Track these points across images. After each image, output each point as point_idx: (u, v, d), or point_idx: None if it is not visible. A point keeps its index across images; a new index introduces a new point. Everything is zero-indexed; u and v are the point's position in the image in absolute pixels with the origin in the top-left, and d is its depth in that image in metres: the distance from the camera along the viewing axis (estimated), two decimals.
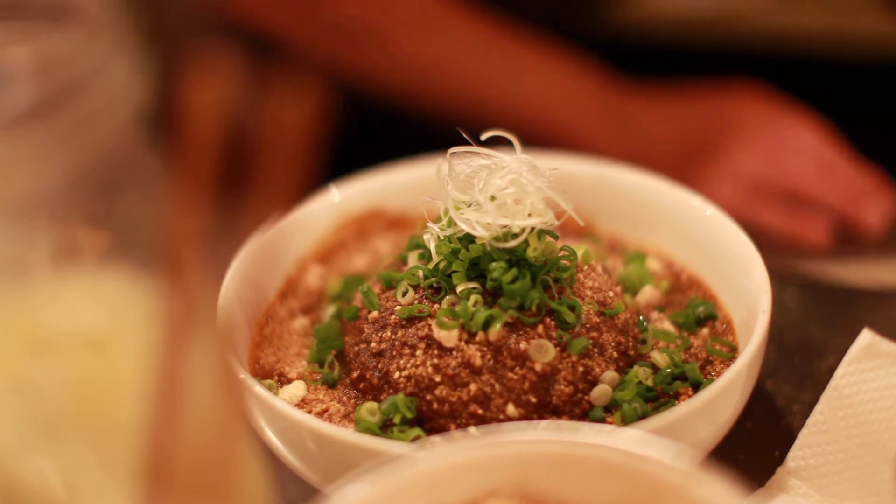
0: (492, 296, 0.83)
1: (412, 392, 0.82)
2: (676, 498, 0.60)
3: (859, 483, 0.84)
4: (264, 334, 0.92)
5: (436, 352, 0.82)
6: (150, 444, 0.54)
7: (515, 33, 1.44)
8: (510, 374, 0.81)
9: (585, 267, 0.88)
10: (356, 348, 0.87)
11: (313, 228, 1.01)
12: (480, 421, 0.81)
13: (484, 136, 0.86)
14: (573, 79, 1.43)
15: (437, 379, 0.81)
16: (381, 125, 1.54)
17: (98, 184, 0.55)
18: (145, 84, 0.55)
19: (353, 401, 0.85)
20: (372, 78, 1.44)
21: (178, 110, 0.51)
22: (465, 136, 0.85)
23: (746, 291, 0.88)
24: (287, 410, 0.79)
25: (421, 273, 0.85)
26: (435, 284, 0.84)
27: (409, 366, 0.82)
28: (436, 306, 0.83)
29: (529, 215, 0.83)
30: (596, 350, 0.83)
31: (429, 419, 0.82)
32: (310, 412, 0.83)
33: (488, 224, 0.82)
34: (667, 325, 0.90)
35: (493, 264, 0.82)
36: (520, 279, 0.82)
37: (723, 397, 0.79)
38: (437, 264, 0.84)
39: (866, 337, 0.87)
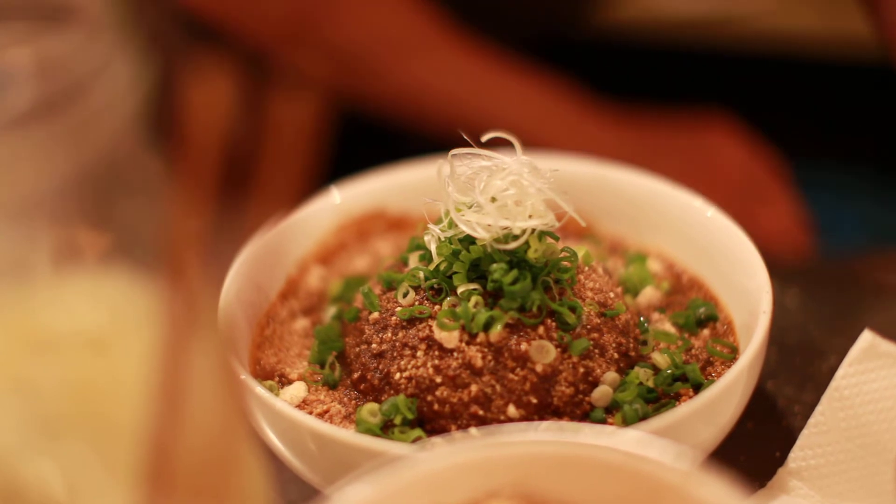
0: (492, 297, 0.83)
1: (413, 393, 0.82)
2: (677, 499, 0.60)
3: (860, 484, 0.84)
4: (265, 335, 0.92)
5: (437, 353, 0.82)
6: (151, 444, 0.54)
7: (499, 59, 1.47)
8: (511, 375, 0.81)
9: (586, 268, 0.88)
10: (357, 349, 0.87)
11: (314, 229, 1.01)
12: (481, 422, 0.81)
13: (484, 138, 0.86)
14: (552, 104, 1.46)
15: (438, 380, 0.81)
16: (382, 126, 1.54)
17: (99, 185, 0.55)
18: (146, 85, 0.55)
19: (353, 402, 0.85)
20: (362, 100, 1.45)
21: (178, 111, 0.51)
22: (465, 138, 0.86)
23: (747, 292, 0.88)
24: (288, 411, 0.79)
25: (422, 274, 0.85)
26: (436, 286, 0.84)
27: (409, 367, 0.82)
28: (436, 307, 0.83)
29: (530, 217, 0.83)
30: (597, 351, 0.83)
31: (429, 420, 0.82)
32: (310, 413, 0.83)
33: (489, 225, 0.82)
34: (668, 327, 0.90)
35: (494, 265, 0.82)
36: (520, 280, 0.82)
37: (724, 398, 0.79)
38: (437, 265, 0.85)
39: (867, 338, 0.87)
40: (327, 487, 0.78)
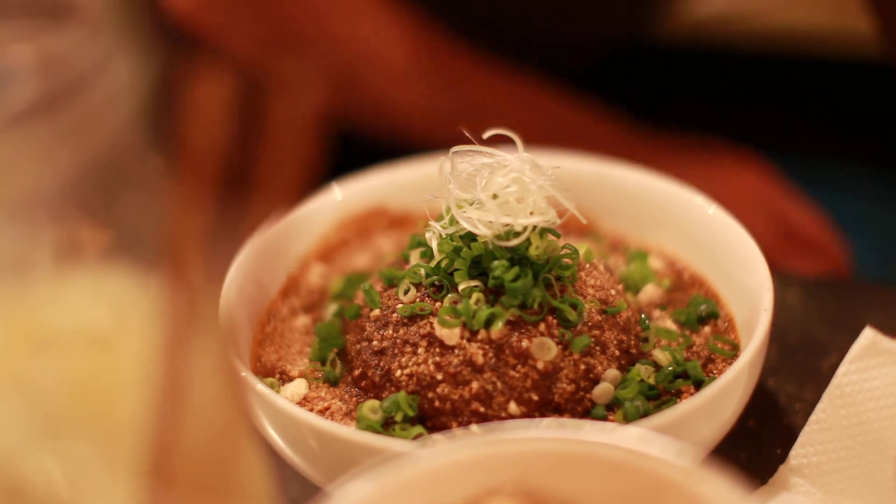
0: (494, 294, 0.83)
1: (414, 390, 0.82)
2: (678, 496, 0.60)
3: (861, 481, 0.84)
4: (266, 332, 0.92)
5: (437, 350, 0.82)
6: (153, 441, 0.54)
7: (507, 76, 1.44)
8: (512, 372, 0.81)
9: (587, 265, 0.88)
10: (358, 346, 0.87)
11: (315, 226, 1.01)
12: (482, 419, 0.81)
13: (486, 135, 0.86)
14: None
15: (439, 377, 0.81)
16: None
17: (100, 182, 0.55)
18: (147, 83, 0.55)
19: (354, 399, 0.85)
20: (352, 117, 1.43)
21: (180, 108, 0.51)
22: (467, 134, 0.86)
23: (748, 289, 0.88)
24: (289, 408, 0.79)
25: (423, 271, 0.85)
26: (437, 283, 0.84)
27: (410, 364, 0.82)
28: (438, 304, 0.83)
29: (531, 214, 0.83)
30: (598, 348, 0.83)
31: (430, 417, 0.82)
32: (311, 410, 0.83)
33: (490, 222, 0.82)
34: (669, 324, 0.90)
35: (495, 262, 0.82)
36: (522, 277, 0.82)
37: (725, 395, 0.79)
38: (438, 262, 0.85)
39: (868, 335, 0.87)
40: (328, 484, 0.78)
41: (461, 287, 0.83)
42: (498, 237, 0.82)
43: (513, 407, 0.81)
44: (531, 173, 0.84)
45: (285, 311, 0.95)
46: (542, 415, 0.81)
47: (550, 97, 1.44)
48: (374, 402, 0.82)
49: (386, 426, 0.81)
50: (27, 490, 0.54)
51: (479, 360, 0.81)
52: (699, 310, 0.91)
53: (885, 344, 0.87)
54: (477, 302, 0.82)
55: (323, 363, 0.89)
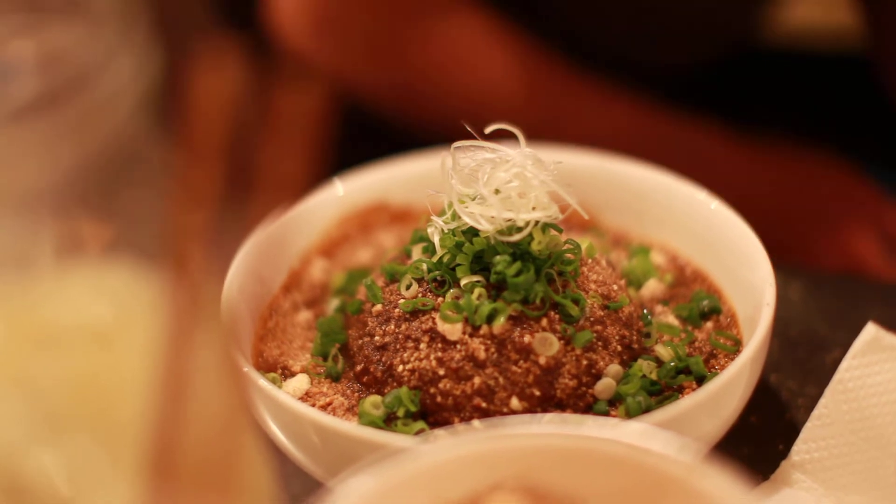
0: (496, 289, 0.83)
1: (416, 385, 0.82)
2: (680, 491, 0.60)
3: (863, 476, 0.84)
4: (268, 328, 0.92)
5: (439, 345, 0.82)
6: (155, 438, 0.54)
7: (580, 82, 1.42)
8: (514, 368, 0.81)
9: (589, 260, 0.88)
10: (360, 342, 0.87)
11: (317, 221, 1.01)
12: (484, 414, 0.81)
13: (488, 130, 0.86)
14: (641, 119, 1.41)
15: (441, 372, 0.81)
16: (386, 118, 1.53)
17: (102, 176, 0.55)
18: (150, 76, 0.55)
19: (356, 394, 0.85)
20: (429, 119, 1.41)
21: (182, 103, 0.50)
22: (469, 129, 0.85)
23: (751, 285, 0.88)
24: (291, 404, 0.79)
25: (425, 266, 0.85)
26: (439, 278, 0.84)
27: (412, 359, 0.82)
28: (440, 299, 0.83)
29: (534, 209, 0.83)
30: (600, 343, 0.83)
31: (432, 412, 0.82)
32: (313, 405, 0.83)
33: (492, 217, 0.82)
34: (671, 319, 0.90)
35: (497, 258, 0.82)
36: (524, 272, 0.82)
37: (727, 391, 0.79)
38: (441, 257, 0.84)
39: (871, 331, 0.87)
40: (330, 480, 0.78)
41: (463, 282, 0.83)
42: (500, 232, 0.82)
43: (515, 402, 0.81)
44: (533, 168, 0.83)
45: (287, 306, 0.95)
46: (544, 410, 0.81)
47: (649, 114, 1.41)
48: (375, 398, 0.82)
49: (388, 422, 0.81)
50: (28, 487, 0.54)
51: (482, 355, 0.81)
52: (701, 305, 0.91)
53: (887, 339, 0.87)
54: (479, 297, 0.82)
55: (325, 358, 0.89)
